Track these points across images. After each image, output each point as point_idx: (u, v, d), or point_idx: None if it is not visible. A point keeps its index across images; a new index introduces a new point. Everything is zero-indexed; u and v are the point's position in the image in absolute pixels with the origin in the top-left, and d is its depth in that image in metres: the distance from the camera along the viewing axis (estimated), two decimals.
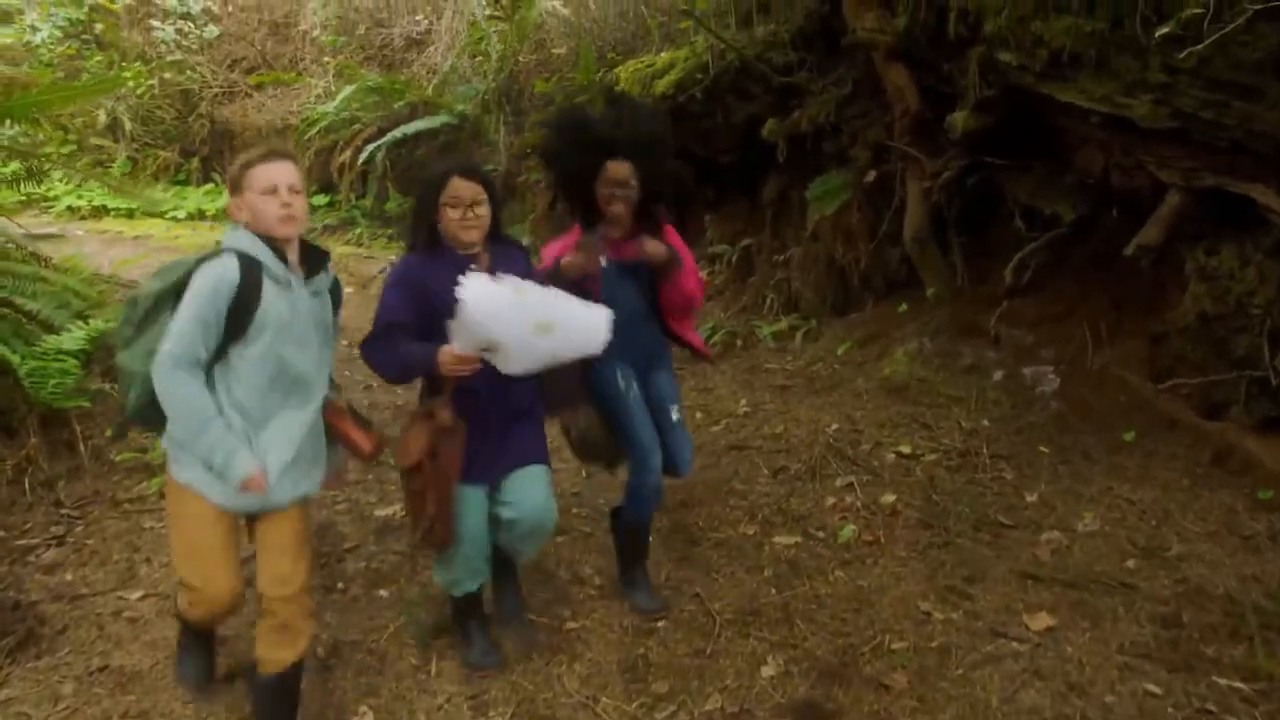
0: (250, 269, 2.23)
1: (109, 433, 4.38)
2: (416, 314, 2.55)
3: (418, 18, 10.22)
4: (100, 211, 9.13)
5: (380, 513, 3.91)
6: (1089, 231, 4.54)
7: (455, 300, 2.34)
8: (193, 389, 2.19)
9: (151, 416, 2.30)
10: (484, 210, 2.59)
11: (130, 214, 9.29)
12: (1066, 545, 3.23)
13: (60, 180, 8.27)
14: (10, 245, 5.31)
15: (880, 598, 3.05)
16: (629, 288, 2.95)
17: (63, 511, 3.97)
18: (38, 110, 5.56)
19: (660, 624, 3.02)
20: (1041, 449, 3.89)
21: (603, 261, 2.85)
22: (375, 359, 2.63)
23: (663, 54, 6.45)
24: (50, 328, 4.53)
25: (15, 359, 4.18)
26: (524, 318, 2.38)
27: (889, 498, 3.68)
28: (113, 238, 8.69)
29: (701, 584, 3.25)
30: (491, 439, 2.66)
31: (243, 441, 2.26)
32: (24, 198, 9.34)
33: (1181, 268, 3.93)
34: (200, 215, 9.36)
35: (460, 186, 2.55)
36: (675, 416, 3.12)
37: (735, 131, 5.96)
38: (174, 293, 2.26)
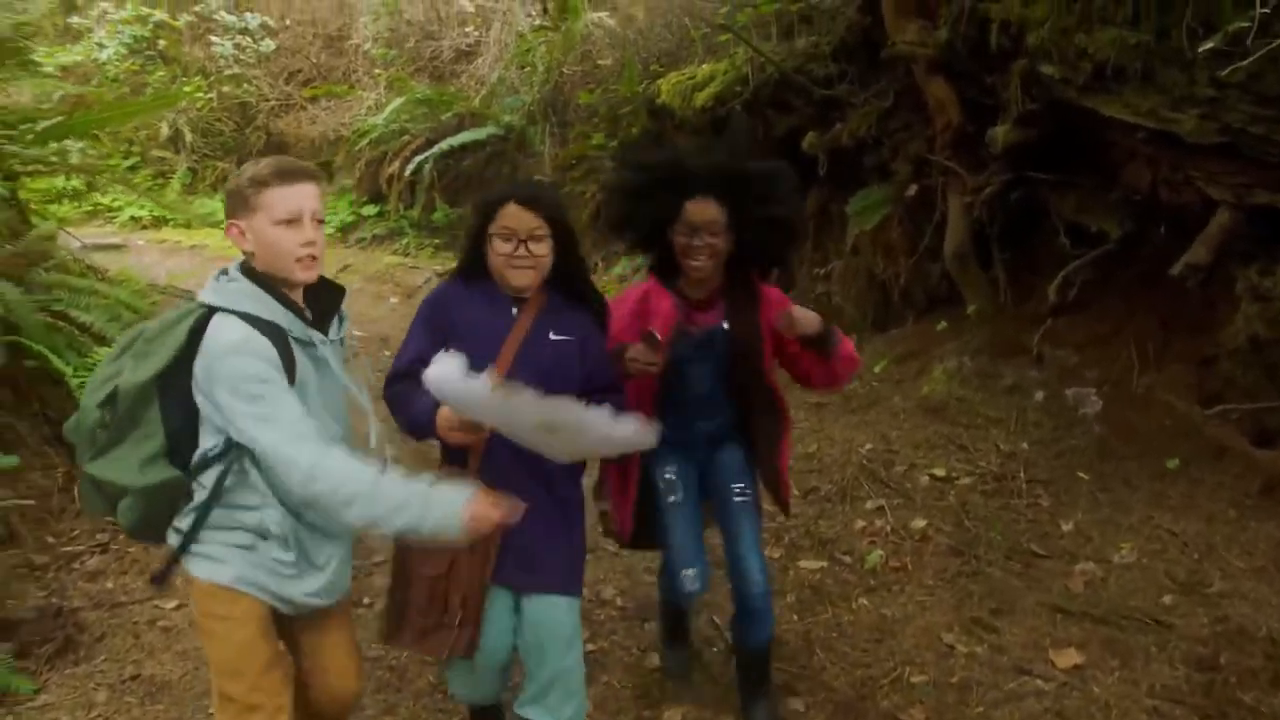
0: (275, 334, 1.82)
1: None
2: (432, 347, 2.02)
3: (467, 29, 10.35)
4: (160, 222, 9.42)
5: None
6: (1136, 249, 4.40)
7: (462, 343, 1.97)
8: (341, 460, 1.76)
9: (155, 526, 1.95)
10: (543, 249, 2.06)
11: (188, 224, 9.57)
12: (1101, 578, 3.13)
13: (119, 194, 8.54)
14: (69, 258, 5.48)
15: (903, 628, 2.99)
16: (703, 367, 2.38)
17: (108, 519, 4.09)
18: (99, 126, 5.76)
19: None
20: (1081, 475, 3.78)
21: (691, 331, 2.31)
22: (391, 406, 2.20)
23: (704, 66, 6.43)
24: (102, 340, 4.68)
25: (68, 370, 4.33)
26: (518, 417, 1.86)
27: (919, 522, 3.61)
28: (171, 247, 8.96)
29: (723, 608, 3.22)
30: (521, 534, 1.99)
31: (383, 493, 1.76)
32: (90, 208, 9.74)
33: (1232, 287, 3.78)
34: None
35: (515, 216, 2.04)
36: (739, 498, 2.51)
37: (775, 145, 5.91)
38: (160, 383, 1.83)
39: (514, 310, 2.11)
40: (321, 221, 1.91)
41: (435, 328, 2.14)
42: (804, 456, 4.40)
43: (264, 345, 1.79)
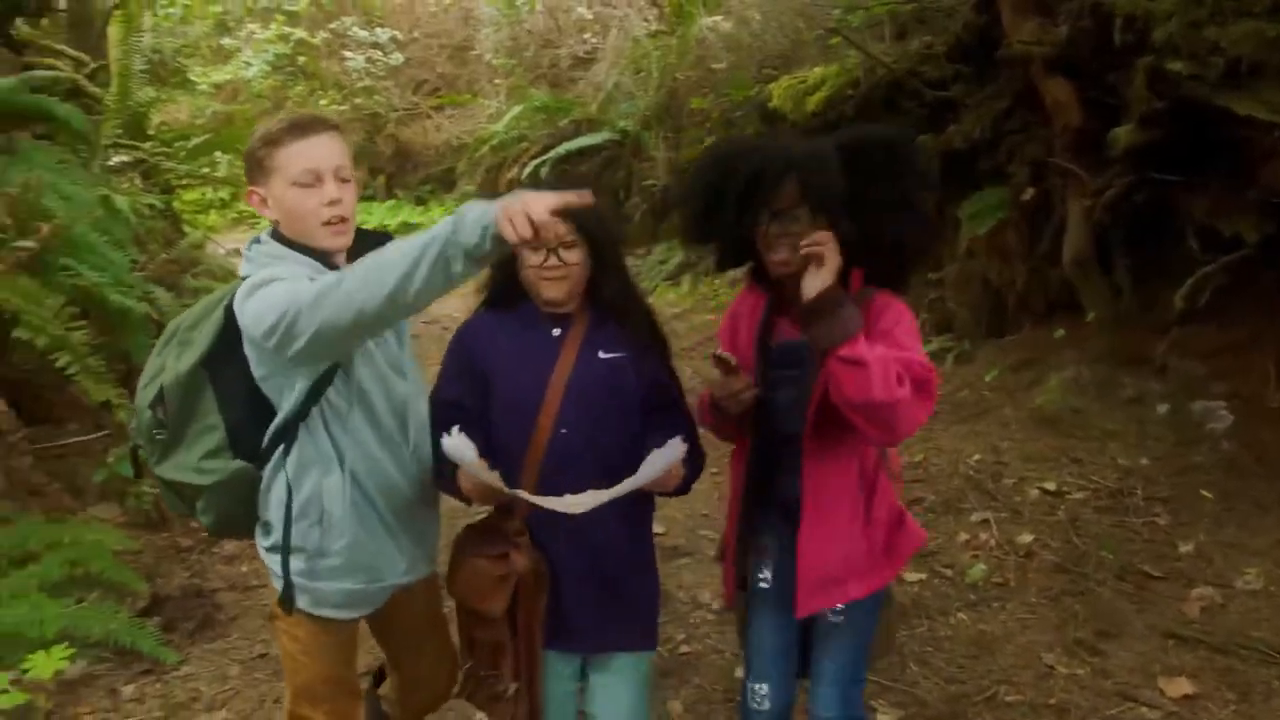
0: None
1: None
2: (470, 390, 1.88)
3: (585, 36, 10.58)
4: None
5: None
6: (1275, 253, 4.13)
7: (504, 377, 1.84)
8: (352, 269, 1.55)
9: (235, 524, 1.84)
10: (575, 257, 1.81)
11: None
12: (1220, 604, 2.98)
13: None
14: (215, 265, 5.93)
15: (1002, 645, 2.93)
16: (788, 395, 1.87)
17: None
18: (242, 142, 6.19)
19: None
20: (1204, 494, 3.59)
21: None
22: None
23: (816, 70, 6.39)
24: None
25: None
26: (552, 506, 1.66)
27: (1026, 537, 3.51)
28: None
29: None
30: (577, 593, 1.87)
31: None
32: (236, 216, 10.45)
33: None
34: (382, 229, 10.11)
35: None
36: (834, 617, 1.91)
37: None
38: (209, 370, 1.71)
39: (555, 331, 1.88)
40: (347, 180, 1.70)
41: (467, 367, 1.91)
42: (909, 466, 4.34)
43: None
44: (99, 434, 4.35)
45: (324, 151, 1.66)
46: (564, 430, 1.83)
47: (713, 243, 1.95)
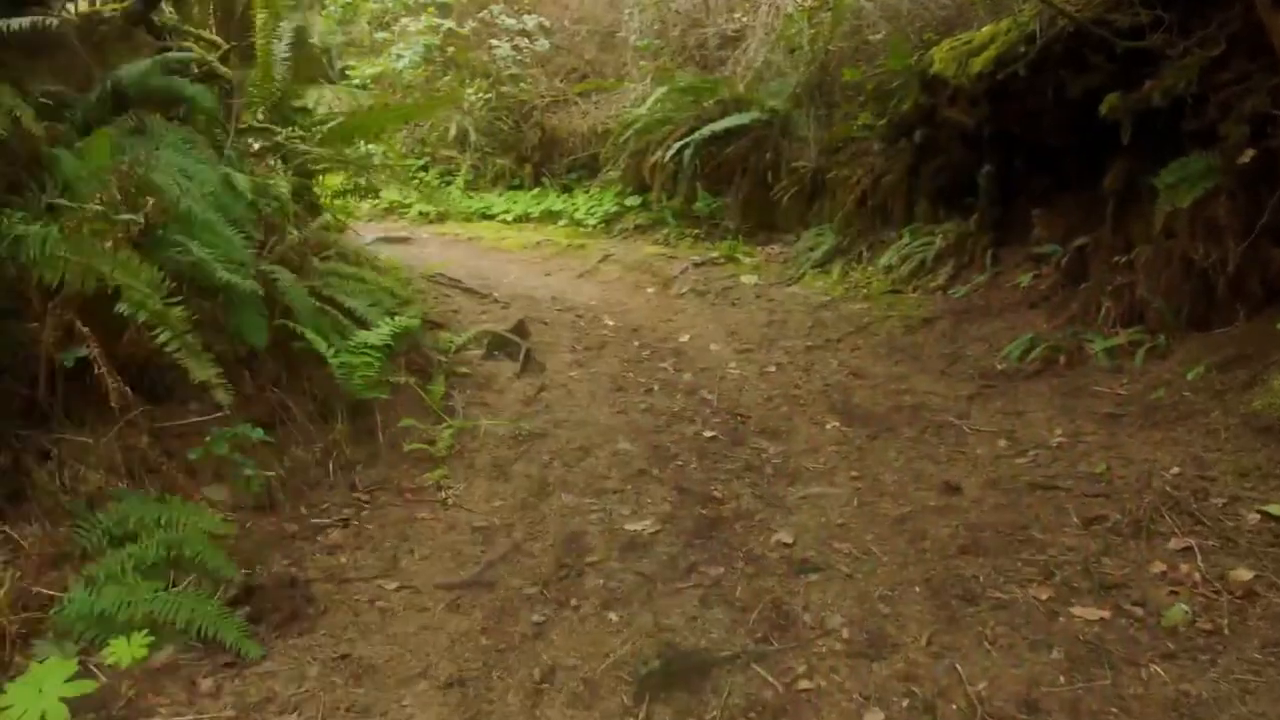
0: None
1: None
2: None
3: (735, 15, 10.12)
4: (444, 216, 10.11)
5: (631, 526, 3.74)
6: None
7: None
8: None
9: None
10: None
11: (468, 218, 10.18)
12: None
13: (397, 189, 9.24)
14: (348, 249, 5.88)
15: (1213, 713, 2.30)
16: None
17: (355, 495, 4.27)
18: (377, 127, 6.14)
19: (905, 701, 2.52)
20: None
21: None
22: None
23: (983, 29, 5.69)
24: (363, 324, 4.94)
25: (330, 352, 4.58)
26: None
27: (1243, 574, 2.82)
28: (451, 239, 9.56)
29: (968, 655, 2.69)
30: None
31: None
32: (386, 206, 10.64)
33: None
34: (525, 218, 10.03)
35: None
36: None
37: (1068, 110, 5.09)
38: None
39: None
40: None
41: None
42: (1088, 476, 3.68)
43: None
44: (219, 413, 4.31)
45: None
46: None
47: None
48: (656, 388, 5.35)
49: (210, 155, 4.48)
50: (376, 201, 10.46)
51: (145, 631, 2.89)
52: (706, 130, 8.67)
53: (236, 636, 2.99)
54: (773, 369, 5.59)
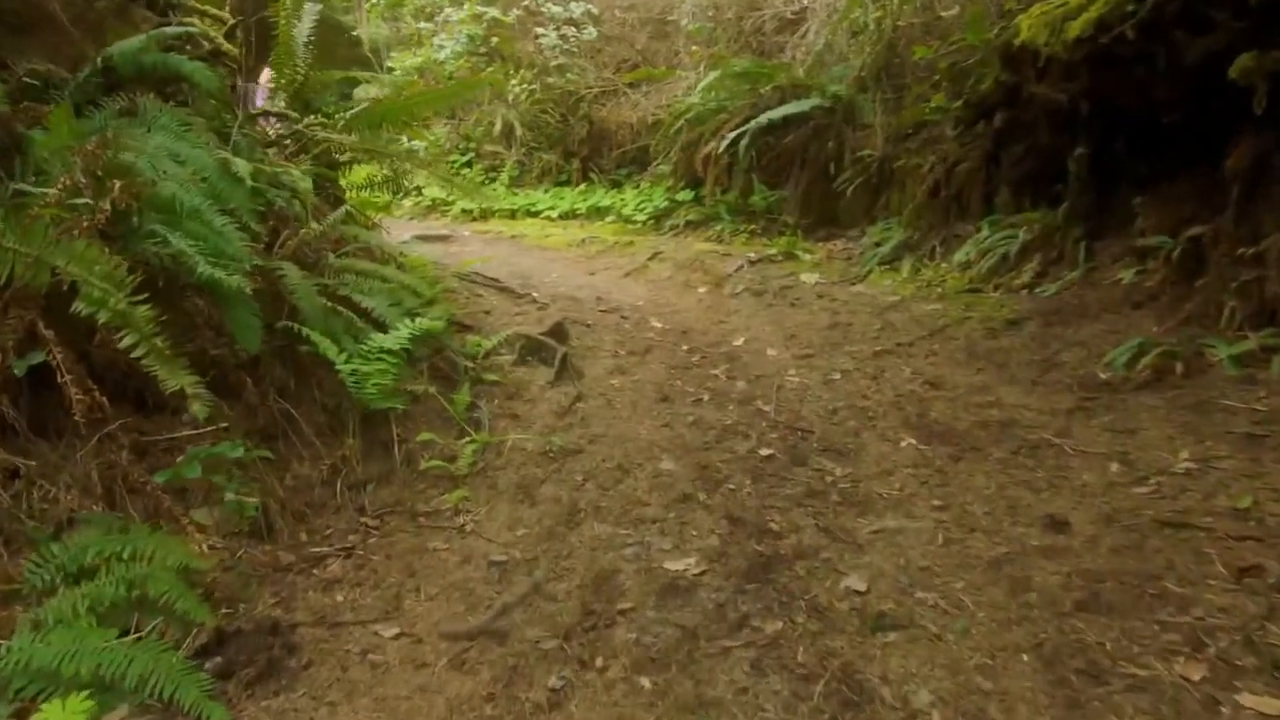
0: None
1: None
2: None
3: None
4: (487, 214, 9.67)
5: (672, 565, 3.18)
6: None
7: None
8: None
9: None
10: None
11: (512, 215, 9.72)
12: None
13: (433, 184, 8.79)
14: (371, 244, 5.41)
15: None
16: None
17: (363, 520, 3.79)
18: (405, 114, 5.67)
19: None
20: None
21: None
22: None
23: None
24: (380, 325, 4.47)
25: (341, 357, 4.12)
26: None
27: None
28: (494, 237, 9.11)
29: None
30: None
31: None
32: (429, 203, 10.24)
33: None
34: (571, 214, 9.52)
35: None
36: None
37: (1184, 77, 4.38)
38: None
39: None
40: None
41: None
42: (1230, 513, 3.02)
43: None
44: (215, 426, 3.87)
45: None
46: None
47: None
48: (706, 398, 4.78)
49: (211, 139, 4.05)
50: (419, 199, 10.07)
51: (86, 693, 2.42)
52: (763, 119, 8.06)
53: (197, 698, 2.50)
54: (837, 377, 4.97)
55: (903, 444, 4.05)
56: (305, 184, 4.89)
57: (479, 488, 3.97)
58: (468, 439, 4.27)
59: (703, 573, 3.09)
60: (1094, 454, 3.66)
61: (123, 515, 3.31)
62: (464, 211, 9.81)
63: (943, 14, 7.46)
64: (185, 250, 3.20)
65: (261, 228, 4.41)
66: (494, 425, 4.46)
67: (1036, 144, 5.93)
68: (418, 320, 4.44)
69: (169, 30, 4.05)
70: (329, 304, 4.30)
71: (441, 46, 9.96)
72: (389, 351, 4.24)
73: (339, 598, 3.20)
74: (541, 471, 4.03)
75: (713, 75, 8.45)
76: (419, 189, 9.84)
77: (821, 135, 8.23)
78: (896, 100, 7.68)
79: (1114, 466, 3.53)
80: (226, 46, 4.37)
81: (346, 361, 4.14)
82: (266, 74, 8.14)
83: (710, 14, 9.87)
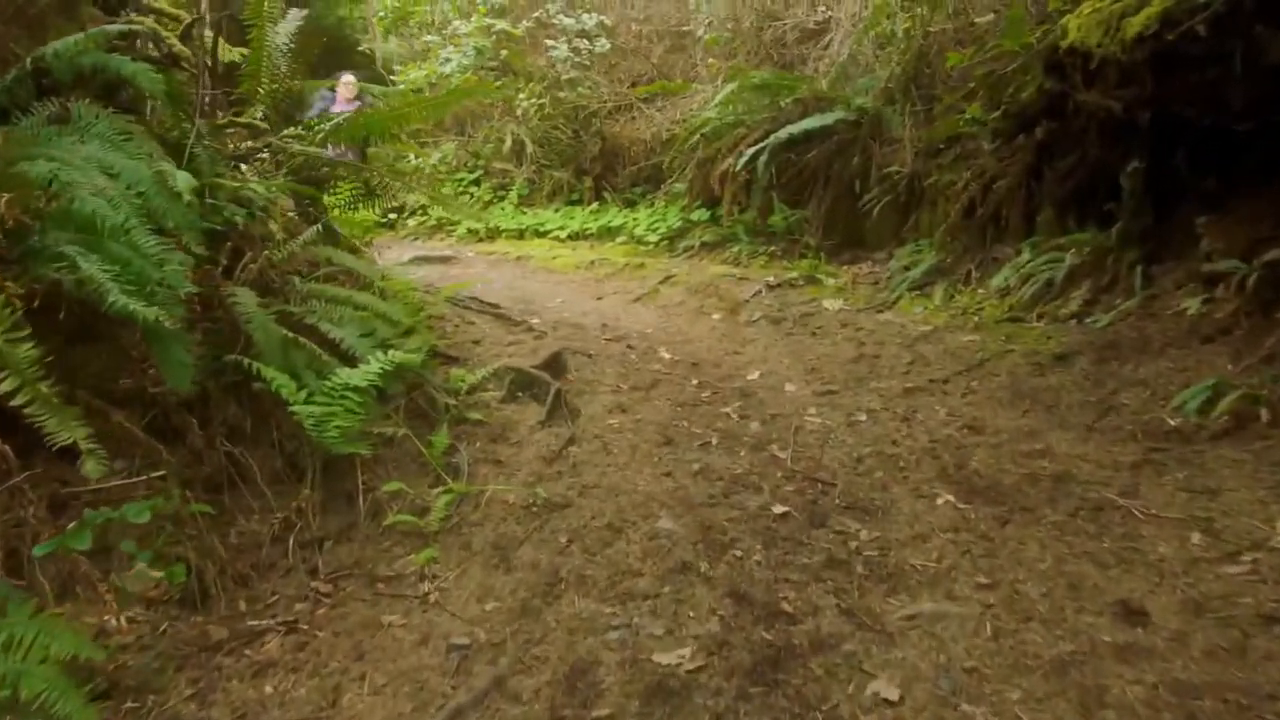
0: None
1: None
2: None
3: (818, 8, 9.01)
4: (494, 234, 9.21)
5: (662, 658, 2.64)
6: None
7: None
8: None
9: None
10: None
11: (520, 235, 9.27)
12: None
13: (424, 200, 8.33)
14: (353, 267, 4.94)
15: None
16: None
17: (314, 584, 3.28)
18: (395, 125, 5.21)
19: None
20: None
21: None
22: None
23: None
24: (349, 359, 3.99)
25: (299, 395, 3.64)
26: None
27: None
28: (499, 258, 8.64)
29: None
30: None
31: None
32: (434, 223, 9.80)
33: None
34: (581, 235, 9.04)
35: None
36: None
37: (1263, 79, 3.83)
38: None
39: None
40: None
41: None
42: None
43: None
44: (151, 474, 3.39)
45: None
46: None
47: None
48: (715, 441, 4.25)
49: (155, 149, 3.60)
50: (423, 218, 9.64)
51: None
52: (784, 133, 7.54)
53: None
54: (863, 418, 4.43)
55: (939, 501, 3.50)
56: (276, 200, 4.46)
57: (450, 547, 3.47)
58: (442, 489, 3.76)
59: (699, 669, 2.55)
60: (1169, 520, 3.09)
61: (27, 585, 2.86)
62: (470, 231, 9.36)
63: (976, 20, 6.94)
64: (94, 276, 2.72)
65: (216, 249, 3.97)
66: (474, 472, 3.96)
67: (1085, 157, 5.37)
68: (390, 353, 3.95)
69: (111, 29, 3.61)
70: (290, 335, 3.83)
71: (447, 59, 9.55)
72: (355, 389, 3.75)
73: (268, 688, 2.70)
74: (522, 529, 3.51)
75: (730, 88, 7.96)
76: (424, 208, 9.42)
77: (846, 151, 7.70)
78: (927, 113, 7.15)
79: (1195, 537, 2.96)
80: (179, 48, 3.92)
81: (307, 400, 3.67)
82: (347, 79, 7.78)
83: (729, 25, 9.41)
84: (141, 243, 3.06)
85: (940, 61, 6.98)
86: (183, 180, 3.36)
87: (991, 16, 6.84)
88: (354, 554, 3.45)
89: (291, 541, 3.45)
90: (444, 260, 8.20)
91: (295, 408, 3.56)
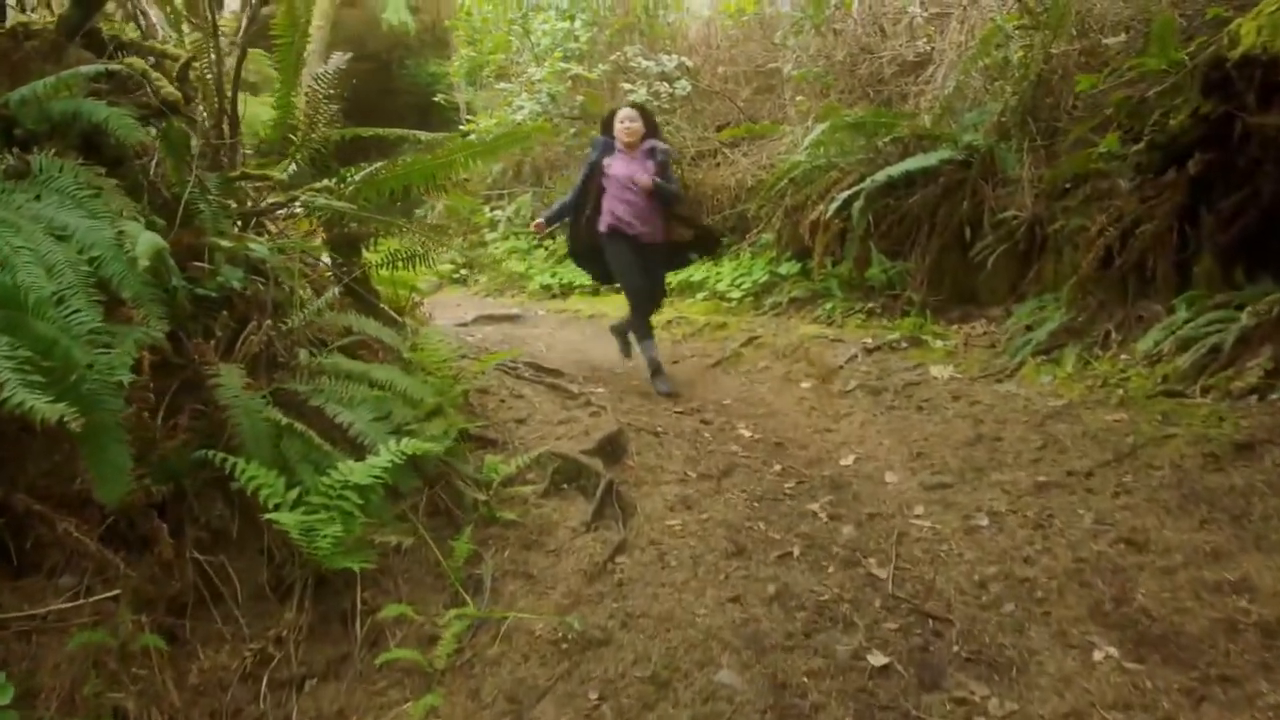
0: None
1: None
2: None
3: (918, 41, 8.21)
4: (568, 289, 8.62)
5: None
6: None
7: None
8: None
9: None
10: None
11: (595, 291, 8.64)
12: None
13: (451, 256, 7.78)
14: (385, 333, 4.35)
15: None
16: None
17: None
18: (443, 175, 4.64)
19: None
20: None
21: None
22: None
23: None
24: (358, 448, 3.37)
25: (286, 498, 3.02)
26: None
27: None
28: (569, 317, 8.03)
29: None
30: None
31: None
32: (504, 278, 9.28)
33: None
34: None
35: None
36: None
37: None
38: None
39: None
40: None
41: None
42: None
43: None
44: (104, 594, 2.81)
45: None
46: None
47: None
48: (797, 551, 3.44)
49: (126, 206, 3.07)
50: (494, 274, 9.14)
51: None
52: (882, 176, 6.72)
53: None
54: (984, 522, 3.54)
55: (1096, 655, 2.60)
56: (285, 261, 3.93)
57: (457, 693, 2.76)
58: (456, 612, 3.06)
59: None
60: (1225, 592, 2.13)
61: None
62: (542, 287, 8.80)
63: (1105, 42, 6.02)
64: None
65: (211, 319, 3.44)
66: (498, 589, 3.25)
67: (1257, 194, 4.40)
68: (404, 442, 3.31)
69: (86, 69, 3.13)
70: (285, 421, 3.23)
71: (521, 107, 9.10)
72: (355, 487, 3.11)
73: None
74: (545, 674, 2.77)
75: (821, 128, 7.19)
76: (496, 262, 8.92)
77: (953, 194, 6.81)
78: (1048, 148, 6.23)
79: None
80: (167, 90, 3.42)
81: (297, 503, 3.05)
82: (625, 114, 5.63)
83: (820, 61, 8.67)
84: (75, 320, 2.50)
85: (1063, 90, 6.08)
86: (144, 243, 2.80)
87: (1124, 36, 5.92)
88: (339, 699, 2.78)
89: (265, 681, 2.80)
90: (509, 319, 7.64)
91: (274, 516, 2.94)
